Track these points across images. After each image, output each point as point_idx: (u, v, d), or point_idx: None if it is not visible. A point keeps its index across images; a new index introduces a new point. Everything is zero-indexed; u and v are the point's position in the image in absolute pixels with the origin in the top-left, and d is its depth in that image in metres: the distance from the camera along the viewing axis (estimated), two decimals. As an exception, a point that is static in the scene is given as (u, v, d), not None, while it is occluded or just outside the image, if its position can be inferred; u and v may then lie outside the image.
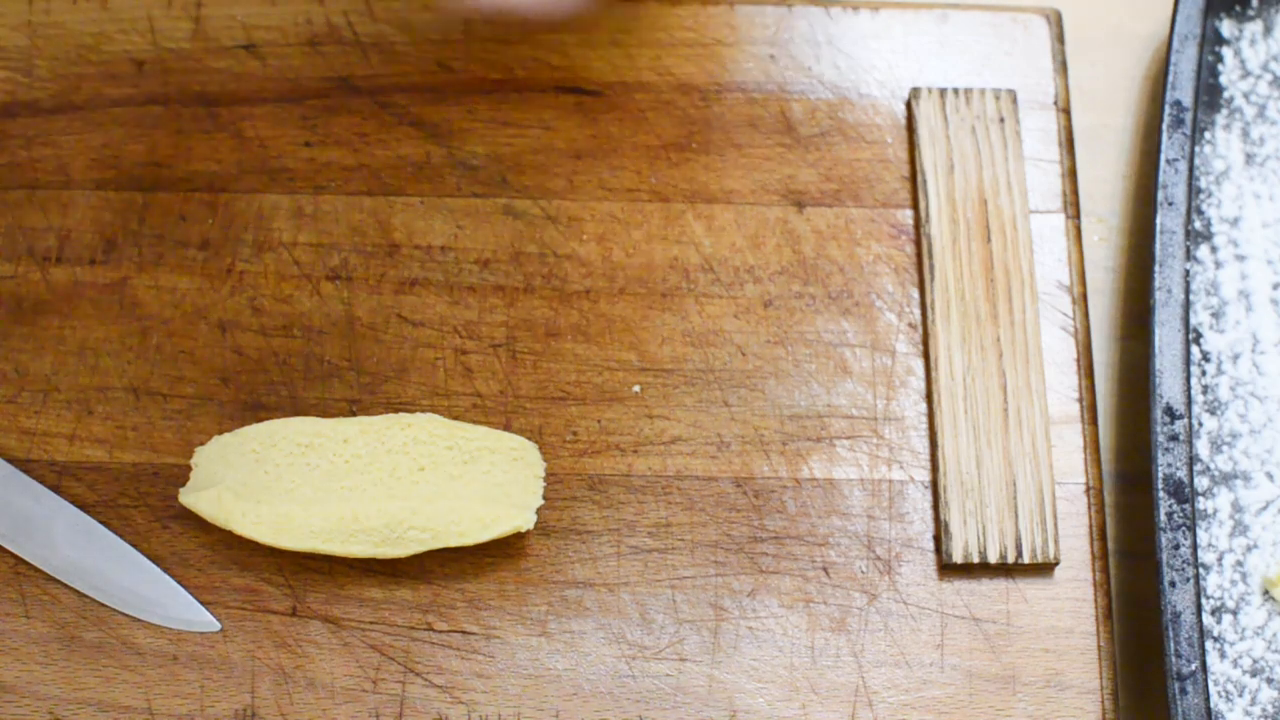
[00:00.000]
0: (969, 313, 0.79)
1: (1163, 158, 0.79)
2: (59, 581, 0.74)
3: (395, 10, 0.84)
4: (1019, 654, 0.74)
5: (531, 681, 0.74)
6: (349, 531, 0.73)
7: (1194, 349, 0.79)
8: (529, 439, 0.77)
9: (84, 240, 0.80)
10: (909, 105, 0.83)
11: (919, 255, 0.80)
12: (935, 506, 0.76)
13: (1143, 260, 0.82)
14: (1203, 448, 0.77)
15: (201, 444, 0.76)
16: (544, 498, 0.76)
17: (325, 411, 0.77)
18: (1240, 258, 0.81)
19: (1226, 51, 0.84)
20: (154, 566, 0.75)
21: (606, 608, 0.75)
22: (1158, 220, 0.78)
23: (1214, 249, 0.81)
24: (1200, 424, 0.78)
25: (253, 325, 0.79)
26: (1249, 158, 0.83)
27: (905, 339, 0.79)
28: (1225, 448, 0.78)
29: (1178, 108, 0.80)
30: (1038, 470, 0.76)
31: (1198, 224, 0.81)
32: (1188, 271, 0.79)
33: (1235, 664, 0.74)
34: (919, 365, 0.79)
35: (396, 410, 0.77)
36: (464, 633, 0.74)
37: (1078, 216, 0.82)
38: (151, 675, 0.73)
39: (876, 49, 0.84)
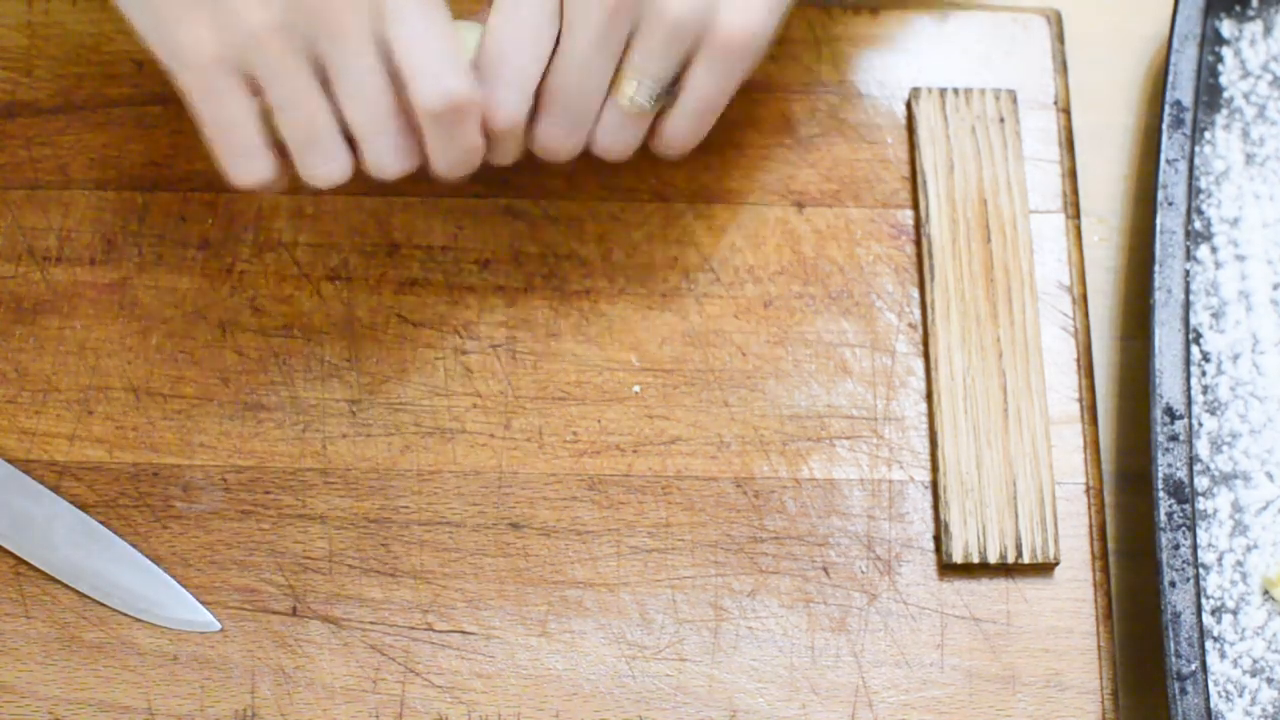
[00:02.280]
0: (969, 313, 0.79)
1: (1163, 158, 0.79)
2: (59, 581, 0.74)
3: (395, 10, 0.84)
4: (1019, 654, 0.74)
5: (531, 681, 0.74)
6: None
7: (1194, 349, 0.79)
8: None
9: (84, 240, 0.80)
10: (909, 105, 0.83)
11: (919, 255, 0.80)
12: (935, 506, 0.76)
13: (1143, 260, 0.82)
14: (1203, 448, 0.77)
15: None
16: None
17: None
18: (1240, 258, 0.81)
19: (1226, 51, 0.84)
20: (154, 566, 0.75)
21: (606, 608, 0.75)
22: (1158, 220, 0.78)
23: (1214, 249, 0.81)
24: (1200, 424, 0.78)
25: (253, 325, 0.79)
26: (1249, 158, 0.83)
27: (905, 339, 0.79)
28: (1225, 448, 0.78)
29: (1178, 108, 0.80)
30: (1038, 470, 0.76)
31: (1198, 224, 0.81)
32: (1188, 271, 0.79)
33: (1235, 664, 0.74)
34: (919, 365, 0.79)
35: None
36: (464, 633, 0.74)
37: (1078, 216, 0.82)
38: (151, 675, 0.73)
39: (876, 49, 0.84)
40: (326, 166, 0.71)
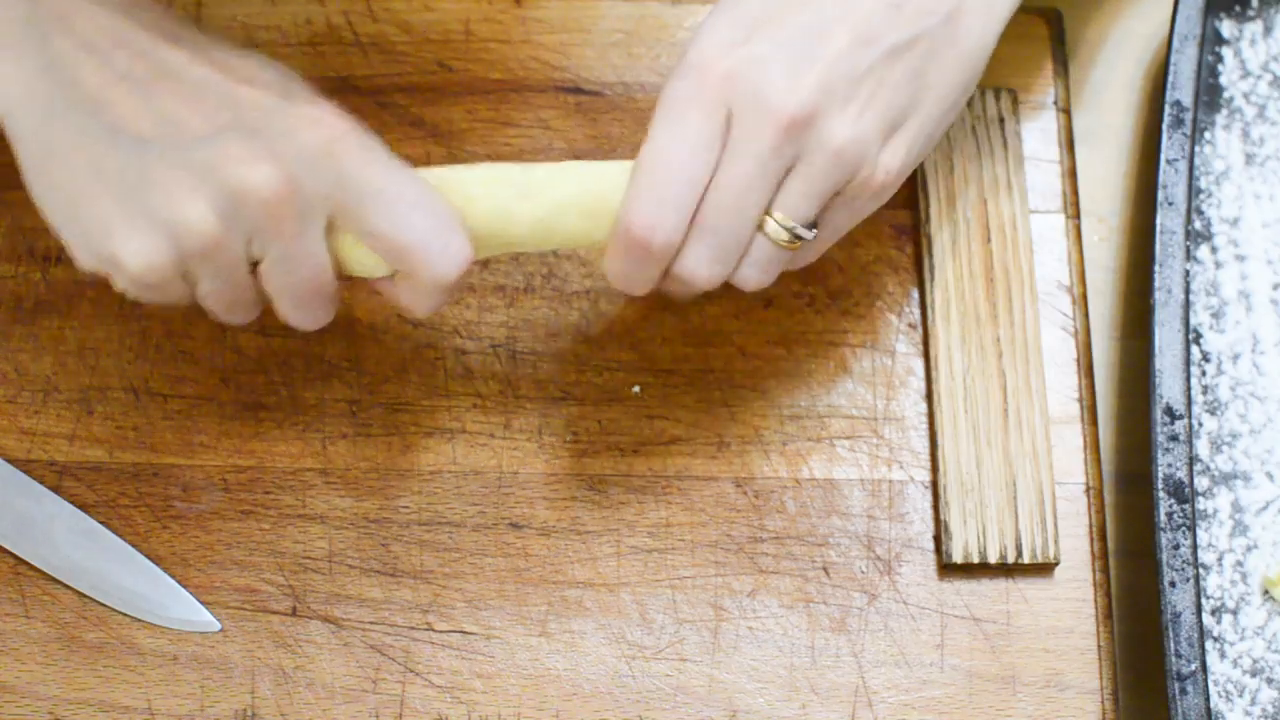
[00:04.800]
0: (969, 313, 0.79)
1: (1163, 158, 0.79)
2: (59, 581, 0.74)
3: (395, 10, 0.84)
4: (1019, 654, 0.74)
5: (531, 681, 0.74)
6: None
7: (1194, 349, 0.79)
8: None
9: (84, 240, 0.80)
10: (909, 105, 0.83)
11: (919, 255, 0.80)
12: (935, 506, 0.76)
13: (1143, 260, 0.82)
14: (1203, 448, 0.77)
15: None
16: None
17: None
18: (1240, 258, 0.81)
19: (1226, 51, 0.84)
20: (154, 566, 0.75)
21: (606, 608, 0.75)
22: (1158, 220, 0.78)
23: (1214, 249, 0.81)
24: (1200, 424, 0.78)
25: (253, 325, 0.79)
26: (1249, 158, 0.83)
27: (905, 339, 0.79)
28: (1225, 448, 0.78)
29: (1178, 108, 0.80)
30: (1038, 470, 0.76)
31: (1198, 224, 0.81)
32: (1188, 271, 0.79)
33: (1235, 664, 0.74)
34: (919, 365, 0.79)
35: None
36: (464, 633, 0.74)
37: (1078, 216, 0.82)
38: (151, 675, 0.73)
39: (876, 49, 0.84)
40: (245, 321, 0.71)
